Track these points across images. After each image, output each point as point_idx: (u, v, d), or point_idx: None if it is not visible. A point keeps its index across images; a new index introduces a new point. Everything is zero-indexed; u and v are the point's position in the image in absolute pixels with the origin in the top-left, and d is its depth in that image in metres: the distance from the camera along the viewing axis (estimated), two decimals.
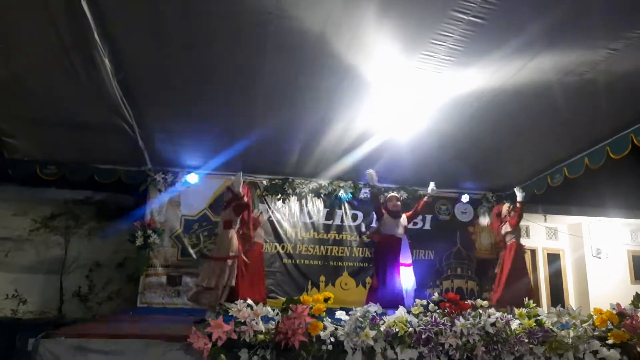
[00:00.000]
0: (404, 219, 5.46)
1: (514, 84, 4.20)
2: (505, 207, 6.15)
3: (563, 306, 3.64)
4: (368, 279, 7.00)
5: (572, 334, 3.37)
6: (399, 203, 5.53)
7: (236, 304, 3.05)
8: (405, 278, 5.20)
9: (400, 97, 4.51)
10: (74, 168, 6.29)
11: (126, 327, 3.77)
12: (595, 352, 3.35)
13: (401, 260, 5.24)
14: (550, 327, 3.41)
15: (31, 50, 3.78)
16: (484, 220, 7.46)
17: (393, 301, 4.57)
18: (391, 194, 5.80)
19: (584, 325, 3.47)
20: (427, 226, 7.48)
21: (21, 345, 5.66)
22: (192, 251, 6.63)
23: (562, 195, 7.18)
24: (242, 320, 2.97)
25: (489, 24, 3.35)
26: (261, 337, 2.96)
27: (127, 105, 4.69)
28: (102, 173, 6.42)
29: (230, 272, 4.45)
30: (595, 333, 3.47)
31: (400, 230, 5.36)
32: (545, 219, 8.70)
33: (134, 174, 6.59)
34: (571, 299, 8.88)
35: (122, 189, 6.84)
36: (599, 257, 8.78)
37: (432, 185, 5.65)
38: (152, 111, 4.96)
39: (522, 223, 8.55)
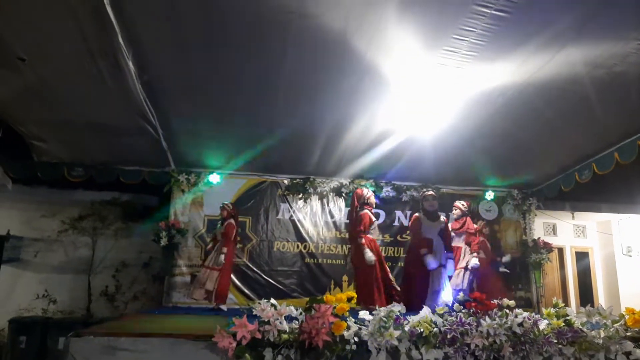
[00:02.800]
0: (443, 219, 5.27)
1: (540, 78, 4.10)
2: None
3: (592, 305, 3.54)
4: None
5: (603, 335, 3.27)
6: (435, 202, 5.24)
7: (259, 304, 3.06)
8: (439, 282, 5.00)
9: (422, 94, 4.46)
10: (100, 170, 6.43)
11: (153, 326, 3.83)
12: (628, 354, 3.24)
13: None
14: (580, 327, 3.32)
15: (58, 55, 3.88)
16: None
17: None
18: (428, 192, 5.41)
19: (615, 325, 3.36)
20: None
21: (52, 344, 5.83)
22: None
23: (590, 192, 6.98)
24: (266, 320, 2.97)
25: (513, 17, 3.28)
26: (285, 336, 2.96)
27: (150, 107, 4.76)
28: (127, 174, 6.55)
29: None
30: (628, 334, 3.36)
31: (436, 233, 5.14)
32: (573, 217, 8.49)
33: (157, 175, 6.70)
34: (601, 298, 8.65)
35: (146, 189, 6.96)
36: (630, 255, 8.53)
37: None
38: (174, 113, 5.03)
39: (549, 220, 8.48)
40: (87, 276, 6.80)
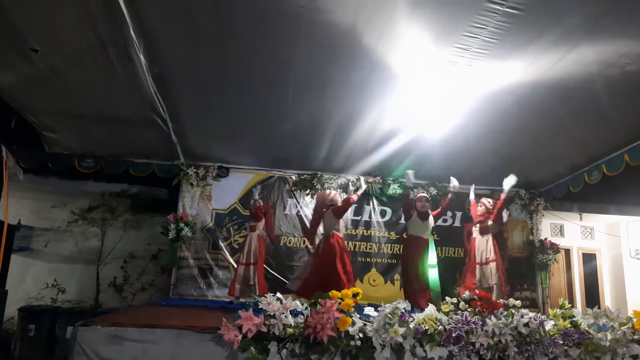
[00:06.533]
0: (431, 219, 5.41)
1: (551, 77, 4.07)
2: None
3: (599, 308, 3.52)
4: (396, 276, 6.96)
5: (609, 337, 3.25)
6: (427, 204, 5.42)
7: (266, 297, 3.08)
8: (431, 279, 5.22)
9: (431, 92, 4.43)
10: (110, 161, 6.50)
11: (159, 317, 3.86)
12: (635, 357, 3.22)
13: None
14: (587, 328, 3.30)
15: (69, 45, 3.89)
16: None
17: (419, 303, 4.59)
18: (421, 194, 5.62)
19: (622, 327, 3.34)
20: (457, 223, 7.35)
21: (60, 333, 5.90)
22: (222, 244, 6.74)
23: (599, 193, 6.91)
24: (272, 314, 2.99)
25: (525, 15, 3.25)
26: (290, 330, 2.98)
27: (160, 99, 4.78)
28: (137, 167, 6.62)
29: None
30: (635, 336, 3.34)
31: (428, 232, 5.35)
32: (581, 218, 8.41)
33: (167, 168, 6.77)
34: (607, 300, 8.58)
35: (156, 182, 7.02)
36: (638, 258, 8.44)
37: (453, 181, 5.64)
38: (184, 106, 5.05)
39: (557, 221, 8.38)
40: (96, 266, 6.87)
